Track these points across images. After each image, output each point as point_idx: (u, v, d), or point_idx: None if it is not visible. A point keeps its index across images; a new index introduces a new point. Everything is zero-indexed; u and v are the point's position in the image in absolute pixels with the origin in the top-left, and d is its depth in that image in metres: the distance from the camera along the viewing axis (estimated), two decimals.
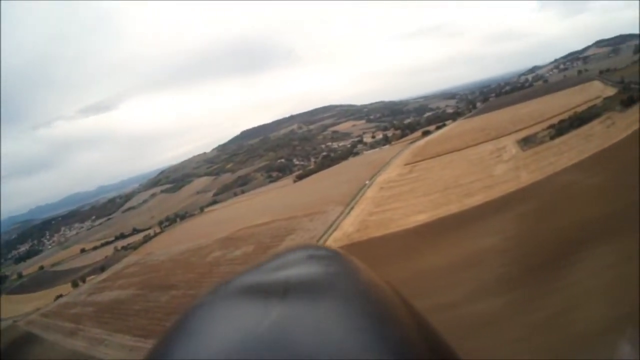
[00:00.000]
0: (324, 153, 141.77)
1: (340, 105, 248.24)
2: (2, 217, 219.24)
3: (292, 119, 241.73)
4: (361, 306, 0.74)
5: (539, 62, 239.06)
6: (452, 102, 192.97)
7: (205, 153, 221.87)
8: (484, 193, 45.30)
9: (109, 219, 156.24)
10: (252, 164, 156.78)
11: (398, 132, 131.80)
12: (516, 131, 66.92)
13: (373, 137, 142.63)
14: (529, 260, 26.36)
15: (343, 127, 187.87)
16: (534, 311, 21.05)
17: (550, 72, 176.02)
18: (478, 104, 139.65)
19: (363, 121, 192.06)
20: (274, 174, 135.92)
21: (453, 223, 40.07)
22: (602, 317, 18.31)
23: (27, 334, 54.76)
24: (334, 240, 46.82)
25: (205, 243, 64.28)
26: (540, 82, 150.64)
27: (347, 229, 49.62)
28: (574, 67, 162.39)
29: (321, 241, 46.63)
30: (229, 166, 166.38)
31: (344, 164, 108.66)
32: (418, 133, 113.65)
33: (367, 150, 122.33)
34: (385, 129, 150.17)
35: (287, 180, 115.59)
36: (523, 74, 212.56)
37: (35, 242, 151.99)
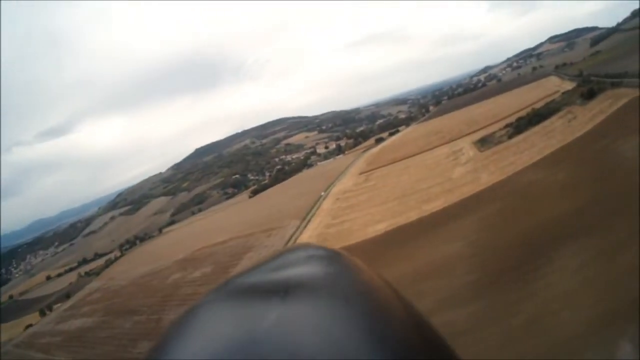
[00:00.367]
0: (278, 166, 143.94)
1: (292, 117, 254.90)
2: None
3: (245, 134, 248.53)
4: (361, 306, 0.75)
5: (491, 62, 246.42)
6: (404, 107, 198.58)
7: (161, 173, 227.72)
8: (444, 198, 44.89)
9: (71, 244, 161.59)
10: (208, 181, 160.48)
11: (351, 141, 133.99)
12: (472, 132, 67.42)
13: (326, 147, 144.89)
14: (498, 266, 25.48)
15: (296, 139, 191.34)
16: (509, 317, 20.23)
17: (503, 71, 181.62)
18: (431, 108, 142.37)
19: (315, 132, 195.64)
20: (230, 190, 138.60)
21: (414, 230, 39.42)
22: (581, 320, 17.65)
23: None
24: None
25: (164, 265, 65.11)
26: (494, 82, 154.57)
27: None
28: (527, 64, 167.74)
29: None
30: (184, 185, 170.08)
31: (298, 176, 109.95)
32: (371, 141, 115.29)
33: (321, 161, 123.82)
34: (338, 138, 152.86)
35: (243, 196, 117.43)
36: (475, 75, 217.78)
37: (3, 271, 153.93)
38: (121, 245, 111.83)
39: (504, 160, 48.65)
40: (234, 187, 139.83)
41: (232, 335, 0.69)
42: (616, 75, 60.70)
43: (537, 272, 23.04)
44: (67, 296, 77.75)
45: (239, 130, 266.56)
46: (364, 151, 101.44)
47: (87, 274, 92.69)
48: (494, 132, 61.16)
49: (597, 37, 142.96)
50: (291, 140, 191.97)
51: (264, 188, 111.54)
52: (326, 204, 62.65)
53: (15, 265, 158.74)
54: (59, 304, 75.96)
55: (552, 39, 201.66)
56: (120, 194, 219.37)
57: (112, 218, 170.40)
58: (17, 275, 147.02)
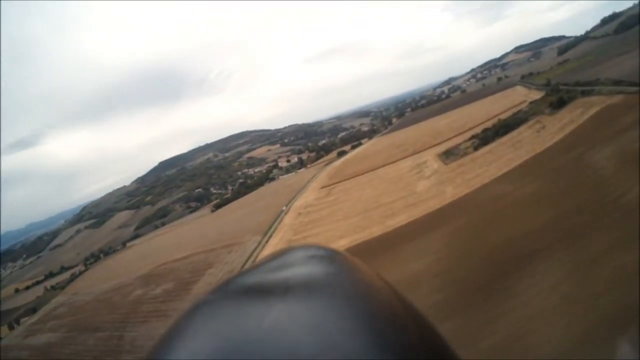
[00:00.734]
0: (241, 180, 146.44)
1: (255, 131, 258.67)
2: None
3: (207, 147, 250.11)
4: (362, 306, 0.76)
5: (454, 73, 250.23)
6: (367, 119, 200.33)
7: (125, 186, 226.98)
8: (408, 212, 44.18)
9: (38, 257, 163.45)
10: (171, 195, 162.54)
11: (313, 154, 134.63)
12: (436, 144, 67.47)
13: (288, 161, 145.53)
14: (467, 283, 24.67)
15: (258, 152, 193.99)
16: (483, 338, 19.23)
17: (467, 82, 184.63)
18: (394, 120, 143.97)
19: (278, 145, 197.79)
20: (193, 204, 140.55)
21: (378, 246, 38.45)
22: (558, 340, 17.04)
23: None
24: None
25: (127, 281, 65.90)
26: (457, 93, 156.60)
27: None
28: (492, 74, 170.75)
29: None
30: (148, 199, 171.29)
31: (260, 190, 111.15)
32: (333, 154, 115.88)
33: (282, 174, 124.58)
34: (300, 151, 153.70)
35: (206, 210, 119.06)
36: (438, 87, 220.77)
37: None
38: (86, 259, 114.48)
39: (470, 172, 48.26)
40: (197, 201, 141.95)
41: (232, 335, 0.70)
42: (587, 83, 61.24)
43: (508, 290, 22.18)
44: (34, 310, 79.15)
45: (202, 144, 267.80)
46: (326, 164, 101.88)
47: (52, 287, 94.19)
48: (459, 144, 61.05)
49: (564, 46, 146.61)
50: (254, 153, 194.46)
51: (226, 202, 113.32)
52: (288, 219, 62.23)
53: None
54: (26, 318, 76.74)
55: (518, 49, 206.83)
56: (85, 207, 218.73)
57: (78, 231, 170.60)
58: None
